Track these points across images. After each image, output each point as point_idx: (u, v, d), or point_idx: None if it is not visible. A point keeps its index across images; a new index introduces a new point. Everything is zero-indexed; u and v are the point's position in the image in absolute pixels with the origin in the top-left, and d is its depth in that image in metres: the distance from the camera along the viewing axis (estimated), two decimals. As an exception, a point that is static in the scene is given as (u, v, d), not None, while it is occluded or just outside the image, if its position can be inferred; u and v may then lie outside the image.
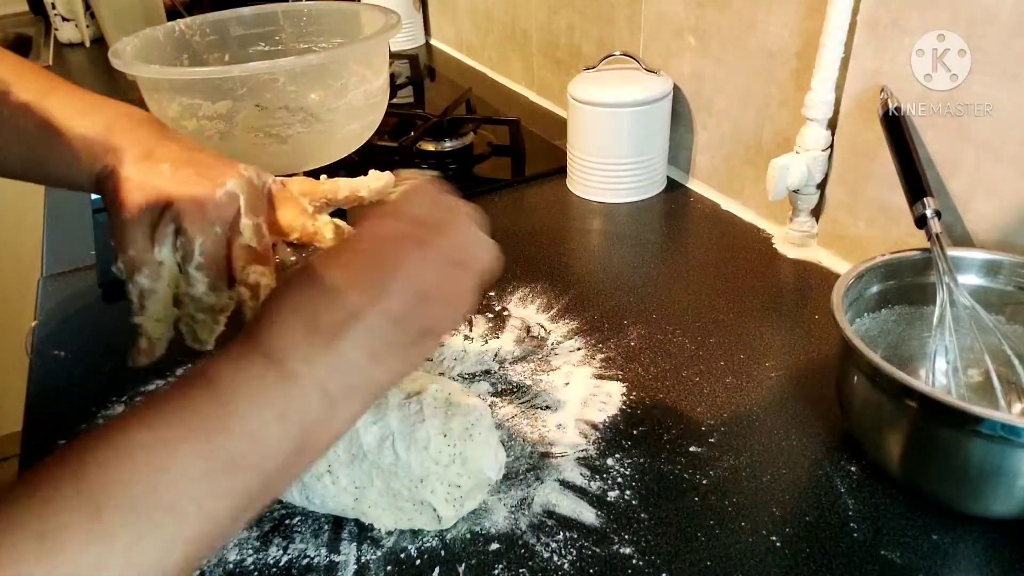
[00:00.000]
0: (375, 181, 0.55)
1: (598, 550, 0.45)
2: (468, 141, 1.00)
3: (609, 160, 0.84)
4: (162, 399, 0.33)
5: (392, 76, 1.09)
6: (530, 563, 0.44)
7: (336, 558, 0.45)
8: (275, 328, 0.36)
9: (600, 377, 0.59)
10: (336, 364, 0.35)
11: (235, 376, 0.34)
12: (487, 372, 0.60)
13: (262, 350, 0.35)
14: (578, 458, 0.51)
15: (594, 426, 0.54)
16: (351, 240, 0.39)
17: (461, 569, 0.44)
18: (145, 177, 0.48)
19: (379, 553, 0.46)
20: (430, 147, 0.98)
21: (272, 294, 0.38)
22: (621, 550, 0.45)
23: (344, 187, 0.54)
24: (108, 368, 0.63)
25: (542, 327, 0.65)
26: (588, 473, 0.50)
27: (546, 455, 0.52)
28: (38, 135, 0.50)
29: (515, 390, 0.58)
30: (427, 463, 0.45)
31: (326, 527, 0.48)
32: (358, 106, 0.79)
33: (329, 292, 0.36)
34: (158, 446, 0.31)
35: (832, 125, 0.69)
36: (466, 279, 0.39)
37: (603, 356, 0.61)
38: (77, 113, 0.50)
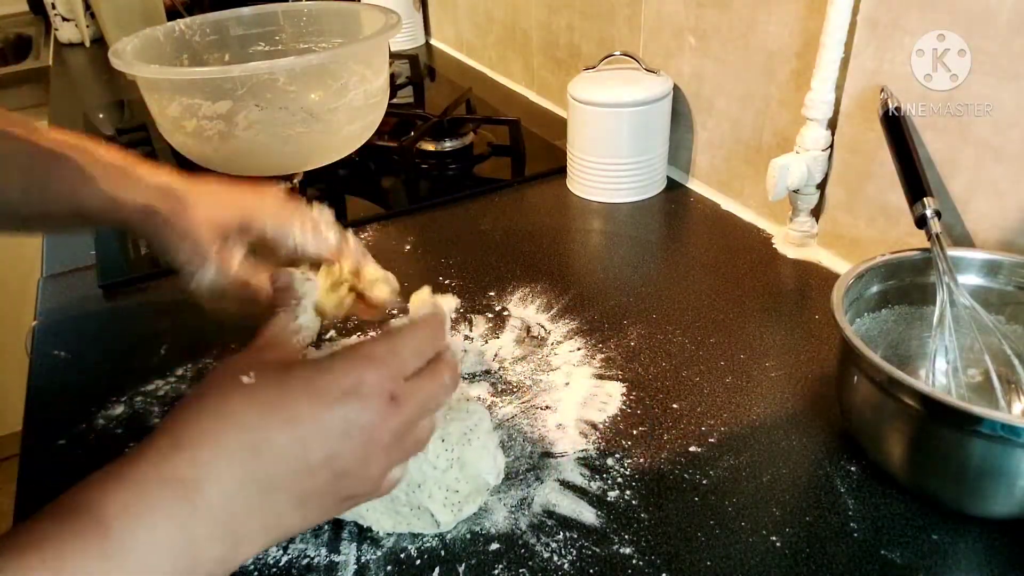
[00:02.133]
0: (387, 286, 0.54)
1: (598, 550, 0.45)
2: (468, 141, 1.00)
3: (609, 160, 0.84)
4: (39, 542, 0.29)
5: (392, 76, 1.09)
6: (530, 563, 0.44)
7: (336, 558, 0.45)
8: (205, 446, 0.33)
9: (600, 377, 0.59)
10: (257, 505, 0.33)
11: (131, 509, 0.30)
12: (487, 372, 0.60)
13: (178, 478, 0.32)
14: (578, 458, 0.51)
15: (594, 426, 0.54)
16: (329, 367, 0.36)
17: (461, 569, 0.44)
18: (219, 196, 0.52)
19: (379, 553, 0.46)
20: (430, 147, 0.98)
21: (205, 394, 0.35)
22: (621, 550, 0.45)
23: (318, 244, 0.53)
24: (108, 368, 0.63)
25: (542, 327, 0.65)
26: (588, 473, 0.50)
27: (546, 455, 0.52)
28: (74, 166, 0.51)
29: (515, 390, 0.58)
30: (424, 467, 0.45)
31: (326, 527, 0.48)
32: (358, 106, 0.79)
33: (287, 419, 0.34)
34: None
35: (832, 125, 0.69)
36: (406, 455, 0.39)
37: (603, 356, 0.61)
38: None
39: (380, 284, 0.53)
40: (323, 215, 0.53)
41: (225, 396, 0.35)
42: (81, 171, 0.50)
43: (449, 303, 0.44)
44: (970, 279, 0.53)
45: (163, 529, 0.31)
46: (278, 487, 0.34)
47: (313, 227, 0.52)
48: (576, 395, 0.57)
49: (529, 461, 0.52)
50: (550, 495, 0.49)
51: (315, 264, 0.52)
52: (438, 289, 0.71)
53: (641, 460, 0.51)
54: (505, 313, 0.67)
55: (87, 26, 1.64)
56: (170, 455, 0.32)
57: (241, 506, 0.33)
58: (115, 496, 0.31)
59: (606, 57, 0.86)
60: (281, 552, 0.46)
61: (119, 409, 0.58)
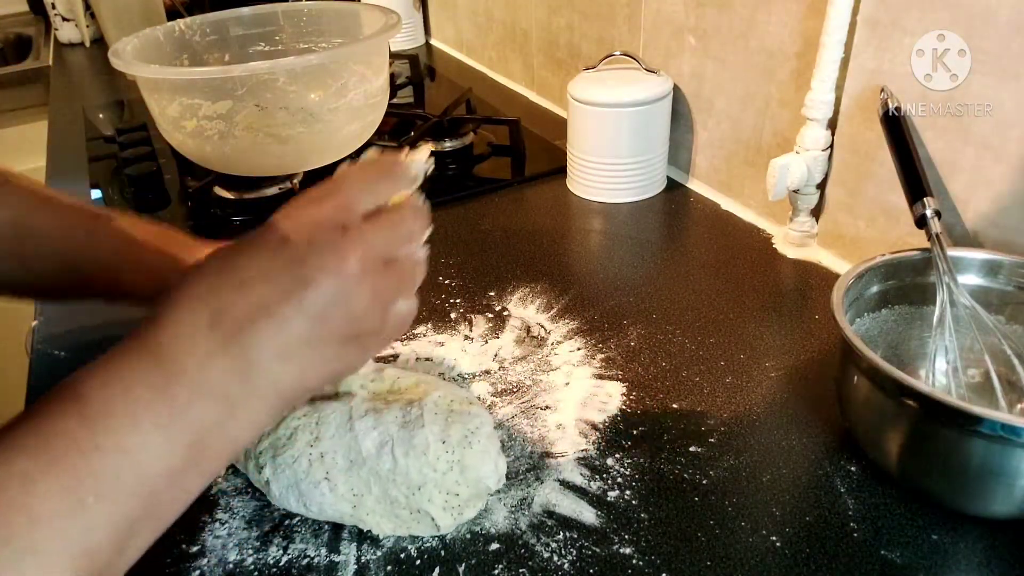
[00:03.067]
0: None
1: (598, 550, 0.45)
2: (468, 141, 1.00)
3: (609, 160, 0.84)
4: (23, 420, 0.30)
5: (392, 76, 1.09)
6: (530, 563, 0.44)
7: (336, 558, 0.45)
8: (168, 322, 0.32)
9: (600, 377, 0.59)
10: (234, 365, 0.32)
11: (108, 382, 0.31)
12: (487, 372, 0.60)
13: (148, 347, 0.32)
14: (578, 458, 0.51)
15: (594, 426, 0.54)
16: (270, 223, 0.35)
17: (461, 569, 0.44)
18: None
19: (379, 553, 0.46)
20: (430, 147, 0.98)
21: (175, 282, 0.34)
22: (621, 550, 0.45)
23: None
24: (108, 368, 0.63)
25: (542, 327, 0.65)
26: (588, 473, 0.50)
27: (546, 455, 0.52)
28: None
29: (515, 390, 0.58)
30: (425, 470, 0.45)
31: (326, 527, 0.48)
32: (358, 106, 0.79)
33: (237, 282, 0.33)
34: (13, 482, 0.28)
35: (832, 125, 0.69)
36: (397, 284, 0.36)
37: (603, 356, 0.61)
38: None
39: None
40: None
41: (188, 278, 0.34)
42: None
43: (420, 153, 0.40)
44: (970, 279, 0.53)
45: (139, 393, 0.31)
46: (254, 345, 0.32)
47: None
48: (576, 395, 0.57)
49: (529, 461, 0.52)
50: (550, 495, 0.49)
51: None
52: (438, 289, 0.71)
53: (641, 460, 0.51)
54: (505, 313, 0.67)
55: (87, 26, 1.64)
56: (144, 329, 0.32)
57: (219, 370, 0.32)
58: (92, 371, 0.31)
59: (606, 57, 0.86)
60: (281, 552, 0.46)
61: (119, 409, 0.58)
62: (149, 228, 0.54)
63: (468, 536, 0.46)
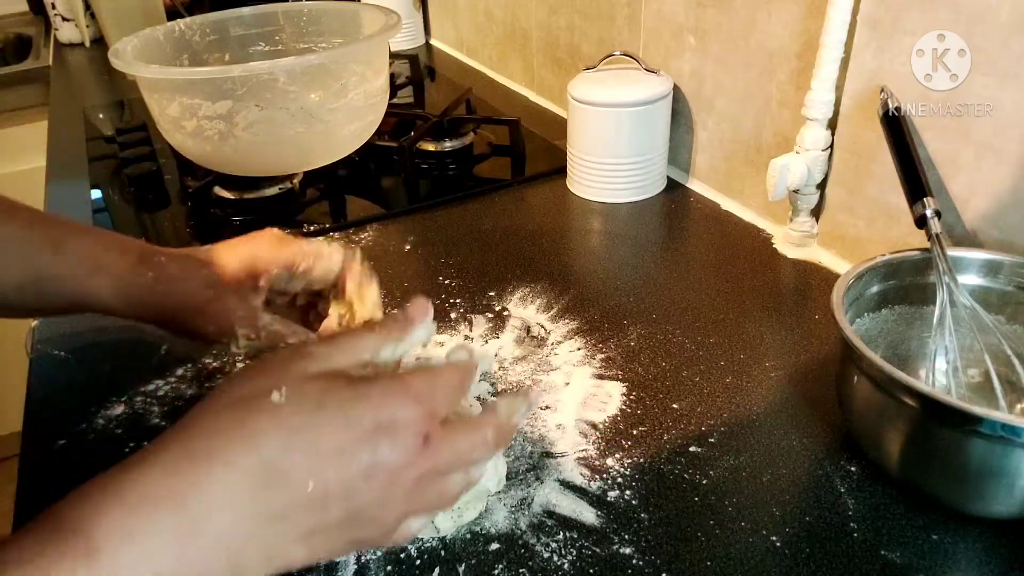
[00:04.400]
0: (367, 295, 0.53)
1: (598, 550, 0.45)
2: (468, 141, 1.00)
3: (609, 160, 0.84)
4: (23, 551, 0.27)
5: (392, 76, 1.09)
6: (530, 563, 0.44)
7: (336, 558, 0.45)
8: (213, 465, 0.31)
9: (600, 377, 0.59)
10: (264, 534, 0.32)
11: (126, 523, 0.29)
12: (487, 372, 0.60)
13: (179, 491, 0.30)
14: (578, 458, 0.51)
15: (594, 426, 0.54)
16: (361, 397, 0.34)
17: (461, 569, 0.44)
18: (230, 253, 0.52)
19: (379, 553, 0.46)
20: (430, 147, 0.98)
21: (207, 411, 0.33)
22: (621, 550, 0.45)
23: (323, 263, 0.53)
24: (108, 368, 0.63)
25: (542, 327, 0.65)
26: (588, 473, 0.50)
27: (546, 455, 0.52)
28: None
29: (515, 390, 0.58)
30: None
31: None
32: (358, 106, 0.79)
33: (313, 451, 0.32)
34: None
35: (832, 125, 0.69)
36: (435, 503, 0.37)
37: (603, 356, 0.61)
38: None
39: (378, 310, 0.53)
40: (324, 241, 0.54)
41: (248, 412, 0.32)
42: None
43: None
44: (970, 279, 0.53)
45: (158, 552, 0.29)
46: (286, 517, 0.32)
47: (316, 252, 0.53)
48: (576, 395, 0.57)
49: (529, 461, 0.52)
50: (550, 495, 0.49)
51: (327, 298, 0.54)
52: (438, 289, 0.71)
53: (641, 460, 0.51)
54: (505, 313, 0.67)
55: (87, 26, 1.64)
56: (175, 470, 0.31)
57: (244, 534, 0.31)
58: (109, 513, 0.29)
59: (606, 57, 0.86)
60: (281, 552, 0.46)
61: (119, 409, 0.58)
62: (107, 234, 0.54)
63: (468, 536, 0.46)
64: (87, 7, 1.61)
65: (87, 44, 1.66)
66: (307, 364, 0.35)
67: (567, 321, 0.66)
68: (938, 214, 0.54)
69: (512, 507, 0.48)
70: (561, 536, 0.46)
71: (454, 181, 0.95)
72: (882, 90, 0.62)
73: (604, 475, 0.50)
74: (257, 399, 0.33)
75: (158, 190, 0.94)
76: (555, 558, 0.44)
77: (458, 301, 0.69)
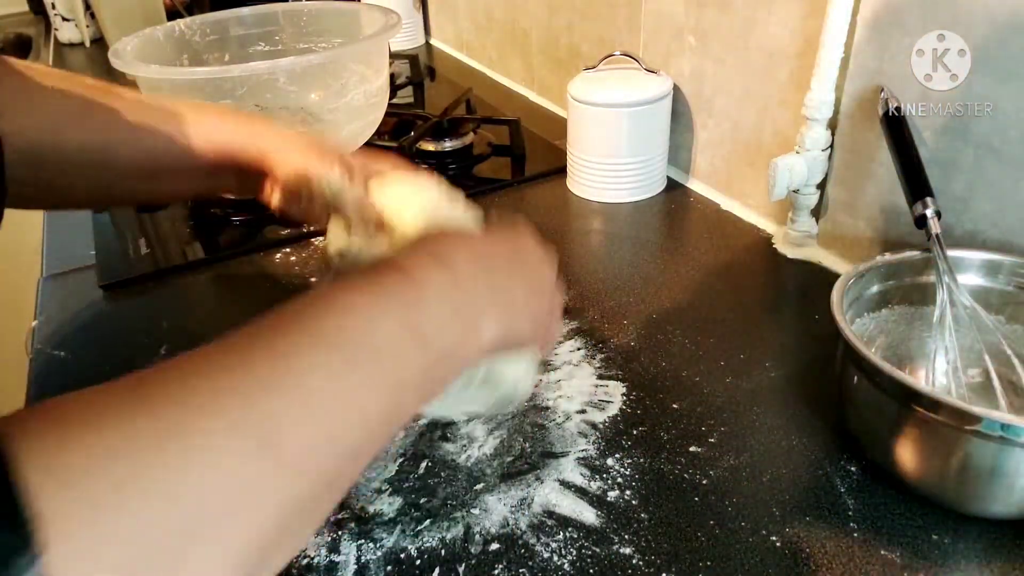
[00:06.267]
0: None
1: (598, 550, 0.45)
2: (468, 141, 1.00)
3: (609, 160, 0.84)
4: (358, 279, 0.32)
5: (392, 76, 1.09)
6: (530, 563, 0.44)
7: (336, 558, 0.45)
8: (422, 259, 0.35)
9: (600, 377, 0.59)
10: (464, 325, 0.35)
11: (364, 290, 0.32)
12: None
13: (399, 271, 0.34)
14: (578, 458, 0.52)
15: (594, 426, 0.54)
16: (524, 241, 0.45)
17: (461, 569, 0.44)
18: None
19: (379, 553, 0.46)
20: (430, 147, 0.98)
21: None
22: (621, 550, 0.45)
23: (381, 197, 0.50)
24: (108, 368, 0.63)
25: (542, 327, 0.65)
26: (588, 473, 0.50)
27: (546, 455, 0.52)
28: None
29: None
30: None
31: (325, 527, 0.48)
32: (358, 106, 0.80)
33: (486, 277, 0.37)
34: (360, 309, 0.30)
35: (832, 125, 0.69)
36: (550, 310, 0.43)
37: (603, 356, 0.61)
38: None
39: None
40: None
41: (441, 246, 0.37)
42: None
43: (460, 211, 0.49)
44: (970, 279, 0.53)
45: (393, 315, 0.31)
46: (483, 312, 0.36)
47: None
48: (576, 395, 0.57)
49: (529, 461, 0.52)
50: (550, 495, 0.49)
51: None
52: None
53: (641, 460, 0.51)
54: (505, 313, 0.67)
55: (87, 26, 1.64)
56: (394, 265, 0.34)
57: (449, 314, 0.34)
58: (345, 288, 0.31)
59: (606, 57, 0.87)
60: (281, 552, 0.46)
61: (119, 409, 0.58)
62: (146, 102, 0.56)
63: (468, 536, 0.46)
64: (87, 7, 1.61)
65: (87, 44, 1.66)
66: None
67: (567, 321, 0.66)
68: (938, 214, 0.54)
69: (512, 507, 0.48)
70: (561, 536, 0.46)
71: (454, 181, 0.94)
72: (882, 90, 0.62)
73: (604, 475, 0.50)
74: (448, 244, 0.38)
75: (158, 190, 0.94)
76: (555, 558, 0.45)
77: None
